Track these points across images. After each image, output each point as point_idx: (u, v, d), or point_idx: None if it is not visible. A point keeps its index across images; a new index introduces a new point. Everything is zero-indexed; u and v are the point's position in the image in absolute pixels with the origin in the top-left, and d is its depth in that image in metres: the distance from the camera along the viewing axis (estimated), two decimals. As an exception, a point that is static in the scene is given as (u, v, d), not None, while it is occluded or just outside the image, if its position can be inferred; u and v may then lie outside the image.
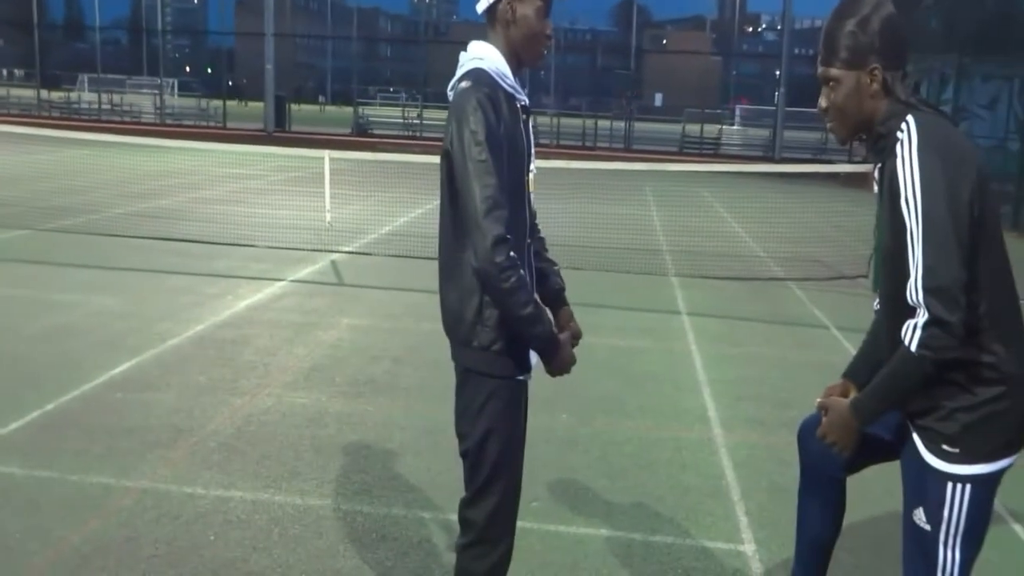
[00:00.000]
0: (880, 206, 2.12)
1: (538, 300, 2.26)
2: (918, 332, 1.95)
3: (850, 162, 19.20)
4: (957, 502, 2.07)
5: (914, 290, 1.95)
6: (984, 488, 2.08)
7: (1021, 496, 3.97)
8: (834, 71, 2.12)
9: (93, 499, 3.61)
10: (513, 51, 2.29)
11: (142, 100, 34.81)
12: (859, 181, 12.86)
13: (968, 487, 2.06)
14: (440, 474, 3.95)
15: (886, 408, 2.14)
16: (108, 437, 4.23)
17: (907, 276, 1.96)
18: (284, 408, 4.74)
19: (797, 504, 2.69)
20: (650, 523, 3.65)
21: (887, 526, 3.65)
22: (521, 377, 2.35)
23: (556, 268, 2.55)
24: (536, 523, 3.58)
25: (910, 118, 2.03)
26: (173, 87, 39.52)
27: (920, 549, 2.14)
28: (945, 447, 2.06)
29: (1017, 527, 3.76)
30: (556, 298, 2.51)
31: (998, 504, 3.88)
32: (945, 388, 2.05)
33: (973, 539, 2.10)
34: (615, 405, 5.04)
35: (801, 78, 31.76)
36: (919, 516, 2.12)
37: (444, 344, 2.41)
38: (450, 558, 2.82)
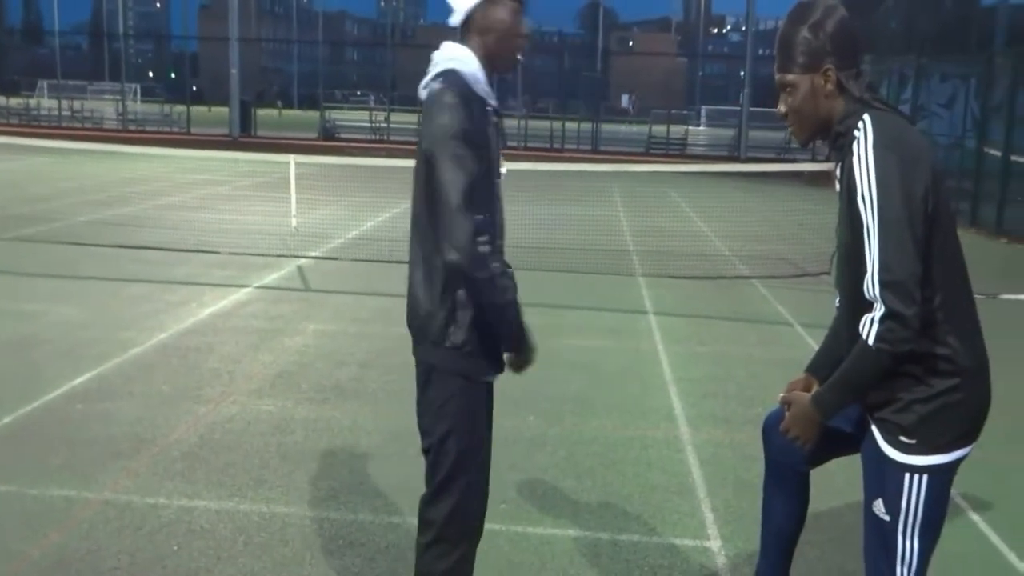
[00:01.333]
0: (840, 203, 2.17)
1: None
2: (875, 326, 1.99)
3: (814, 160, 19.43)
4: (915, 492, 2.11)
5: (871, 285, 1.99)
6: (941, 478, 2.13)
7: (981, 488, 4.06)
8: (790, 76, 2.17)
9: (53, 512, 3.55)
10: (488, 57, 2.29)
11: (104, 106, 34.26)
12: (822, 179, 13.04)
13: (925, 478, 2.10)
14: (408, 478, 3.92)
15: (846, 401, 2.18)
16: (69, 449, 4.16)
17: (865, 272, 2.00)
18: (249, 416, 4.70)
19: (762, 498, 2.72)
20: (617, 522, 3.67)
21: (849, 519, 3.70)
22: (487, 379, 2.36)
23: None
24: (504, 524, 3.58)
25: (866, 116, 2.07)
26: (136, 92, 38.92)
27: (880, 539, 2.18)
28: (903, 438, 2.11)
29: (977, 518, 3.84)
30: None
31: (959, 497, 3.96)
32: (902, 380, 2.10)
33: (931, 529, 2.15)
34: (582, 405, 5.07)
35: (766, 78, 32.10)
36: (878, 507, 2.16)
37: (411, 347, 2.41)
38: (416, 562, 2.81)
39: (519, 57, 2.33)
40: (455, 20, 2.29)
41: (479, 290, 2.20)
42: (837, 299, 2.37)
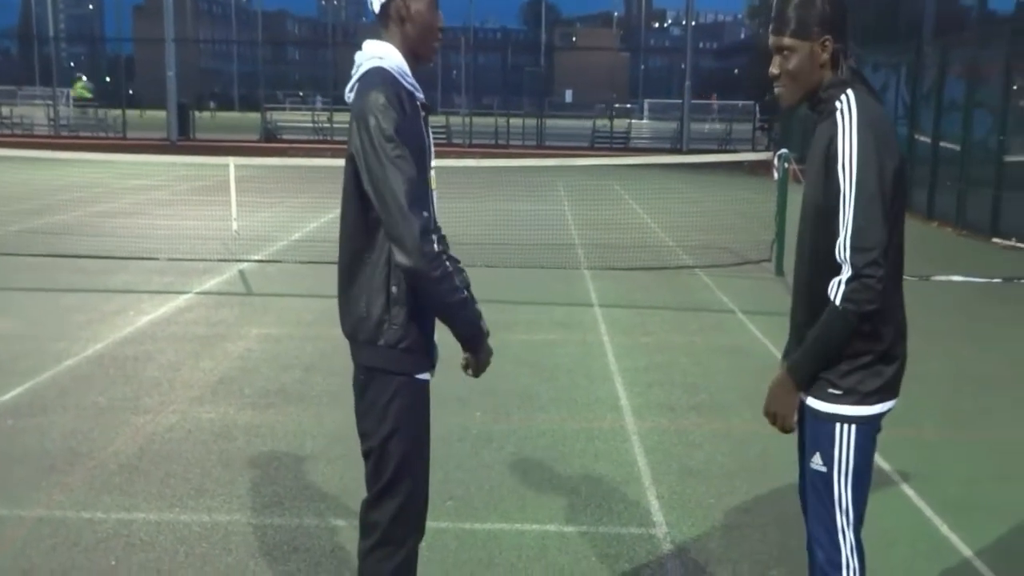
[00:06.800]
0: (809, 164, 2.27)
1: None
2: (842, 287, 2.11)
3: (753, 151, 19.80)
4: (845, 442, 2.23)
5: (843, 247, 2.11)
6: (867, 429, 2.24)
7: (914, 464, 4.18)
8: (787, 40, 2.25)
9: (-17, 532, 3.43)
10: (409, 48, 2.28)
11: (35, 111, 33.16)
12: (761, 169, 13.29)
13: (853, 427, 2.22)
14: (354, 480, 3.88)
15: (819, 366, 2.24)
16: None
17: (836, 232, 2.12)
18: (190, 424, 4.60)
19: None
20: (564, 514, 3.69)
21: (788, 502, 3.76)
22: (425, 376, 2.35)
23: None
24: (450, 522, 3.57)
25: (850, 92, 2.20)
26: (68, 97, 37.71)
27: (820, 490, 2.29)
28: (830, 390, 2.23)
29: (910, 492, 3.95)
30: None
31: (894, 473, 4.07)
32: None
33: (862, 479, 2.27)
34: (529, 400, 5.08)
35: (706, 71, 32.56)
36: (816, 461, 2.28)
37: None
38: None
39: (435, 46, 2.33)
40: (375, 6, 2.29)
41: (433, 291, 2.17)
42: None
